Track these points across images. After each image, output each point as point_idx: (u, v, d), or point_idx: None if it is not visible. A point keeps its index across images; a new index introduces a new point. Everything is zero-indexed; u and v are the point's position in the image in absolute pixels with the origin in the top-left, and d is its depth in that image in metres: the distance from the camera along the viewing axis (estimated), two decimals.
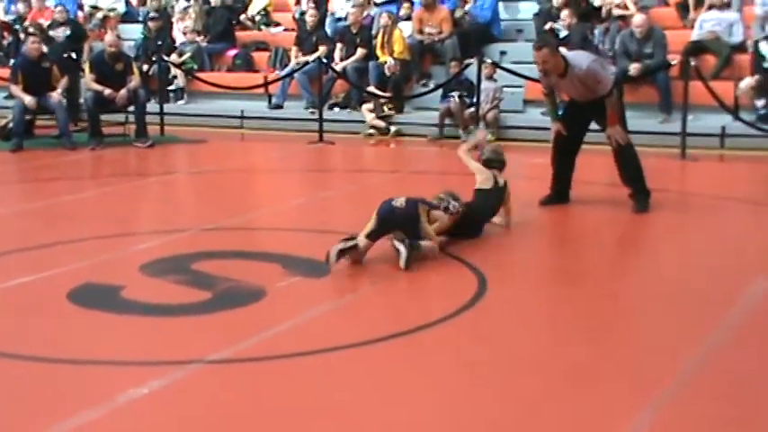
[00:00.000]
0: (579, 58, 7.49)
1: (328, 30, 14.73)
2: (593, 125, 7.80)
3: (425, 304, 5.23)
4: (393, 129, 12.83)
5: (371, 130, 12.85)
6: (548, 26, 13.05)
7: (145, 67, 14.36)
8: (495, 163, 7.02)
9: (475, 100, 11.92)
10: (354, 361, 4.35)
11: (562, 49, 7.73)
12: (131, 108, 12.06)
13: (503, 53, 13.75)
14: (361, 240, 5.96)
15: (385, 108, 12.96)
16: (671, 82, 11.67)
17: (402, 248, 5.82)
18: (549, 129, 11.67)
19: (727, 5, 12.43)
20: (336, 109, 13.65)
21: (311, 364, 4.31)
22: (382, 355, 4.42)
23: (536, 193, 7.70)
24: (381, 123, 12.86)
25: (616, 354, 4.45)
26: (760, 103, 11.24)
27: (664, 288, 5.67)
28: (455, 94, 12.29)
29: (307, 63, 13.66)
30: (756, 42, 11.67)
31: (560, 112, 7.89)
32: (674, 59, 11.49)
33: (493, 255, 6.32)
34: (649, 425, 3.60)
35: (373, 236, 6.03)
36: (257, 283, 5.52)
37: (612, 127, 7.46)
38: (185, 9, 16.06)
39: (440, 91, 12.62)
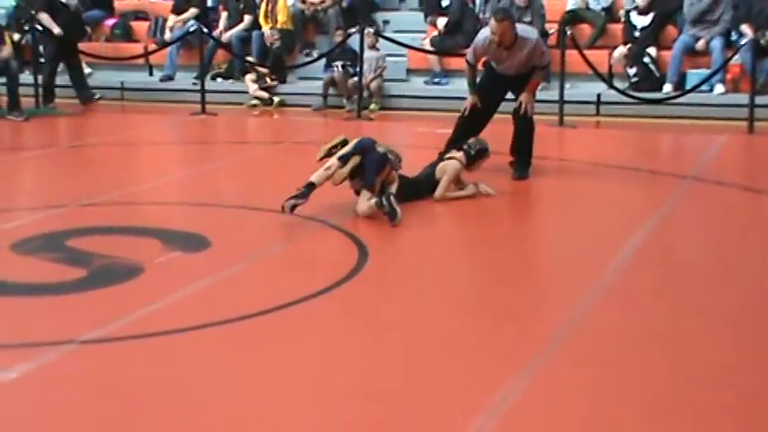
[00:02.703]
0: (528, 32, 7.61)
1: (210, 0, 14.41)
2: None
3: (304, 278, 5.15)
4: (276, 99, 12.69)
5: (255, 101, 12.68)
6: None
7: (17, 37, 13.71)
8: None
9: (358, 69, 11.85)
10: (229, 337, 4.27)
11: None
12: (3, 79, 11.63)
13: (386, 22, 13.73)
14: (335, 163, 6.31)
15: (268, 79, 12.78)
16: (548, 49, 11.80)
17: (386, 208, 6.10)
18: (431, 98, 12.09)
19: None
20: (219, 79, 13.40)
21: (187, 341, 4.22)
22: (257, 331, 4.36)
23: (420, 161, 7.65)
24: (264, 94, 12.70)
25: (491, 322, 4.47)
26: (632, 71, 11.52)
27: (542, 254, 5.80)
28: (338, 63, 12.22)
29: (187, 32, 13.32)
30: (627, 12, 11.93)
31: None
32: (552, 29, 11.61)
33: (376, 225, 6.28)
34: (521, 390, 3.65)
35: (344, 159, 6.35)
36: (135, 260, 5.38)
37: (529, 93, 7.58)
38: None
39: (323, 61, 12.54)
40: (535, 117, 7.84)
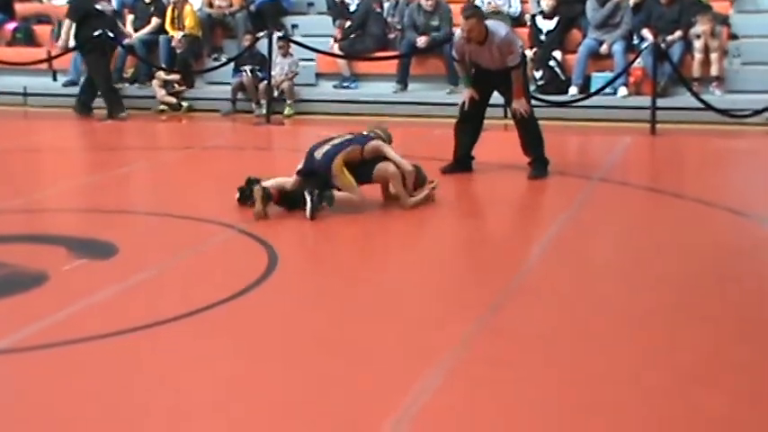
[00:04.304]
0: (498, 27, 7.75)
1: (114, 3, 14.13)
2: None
3: (212, 284, 5.08)
4: (185, 104, 12.55)
5: (163, 106, 12.51)
6: None
7: None
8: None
9: (267, 74, 11.79)
10: (138, 346, 4.23)
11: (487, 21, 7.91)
12: None
13: (294, 26, 13.62)
14: (292, 179, 6.48)
15: (176, 84, 12.61)
16: None
17: (308, 198, 6.17)
18: (341, 102, 12.06)
19: None
20: (126, 84, 13.17)
21: (95, 350, 4.15)
22: (166, 339, 4.32)
23: None
24: (172, 99, 12.55)
25: (401, 326, 4.46)
26: (538, 74, 11.64)
27: (451, 257, 5.80)
28: (247, 67, 12.12)
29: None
30: (533, 17, 12.11)
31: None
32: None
33: (288, 231, 6.26)
34: (432, 391, 3.67)
35: (300, 174, 6.51)
36: (39, 268, 5.27)
37: (518, 100, 7.78)
38: None
39: (231, 65, 12.43)
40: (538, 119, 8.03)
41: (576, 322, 4.50)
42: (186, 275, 5.33)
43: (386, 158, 6.62)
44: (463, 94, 8.10)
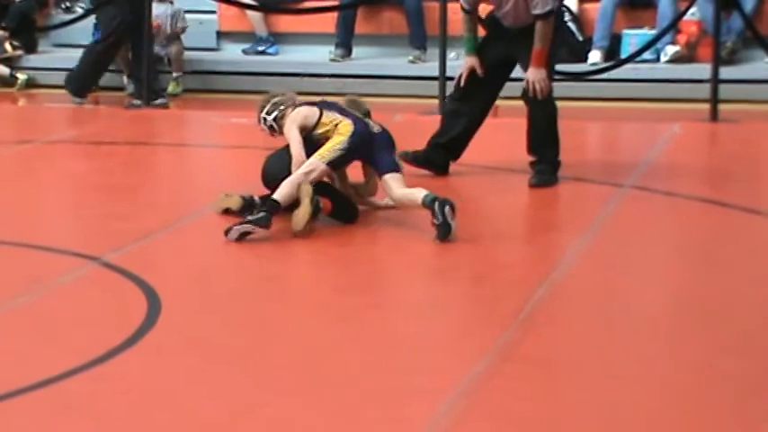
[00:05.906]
0: None
1: None
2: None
3: (66, 346, 4.99)
4: (22, 77, 12.50)
5: None
6: None
7: None
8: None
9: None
10: None
11: None
12: None
13: None
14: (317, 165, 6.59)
15: (8, 46, 12.54)
16: (423, 4, 12.02)
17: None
18: (252, 74, 12.21)
19: None
20: None
21: None
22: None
23: (241, 168, 7.59)
24: (5, 70, 12.49)
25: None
26: None
27: (412, 311, 5.78)
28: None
29: None
30: None
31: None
32: None
33: (171, 263, 6.31)
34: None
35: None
36: None
37: (537, 68, 7.79)
38: None
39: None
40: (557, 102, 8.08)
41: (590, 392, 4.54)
42: (26, 329, 5.25)
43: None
44: (463, 66, 8.13)
